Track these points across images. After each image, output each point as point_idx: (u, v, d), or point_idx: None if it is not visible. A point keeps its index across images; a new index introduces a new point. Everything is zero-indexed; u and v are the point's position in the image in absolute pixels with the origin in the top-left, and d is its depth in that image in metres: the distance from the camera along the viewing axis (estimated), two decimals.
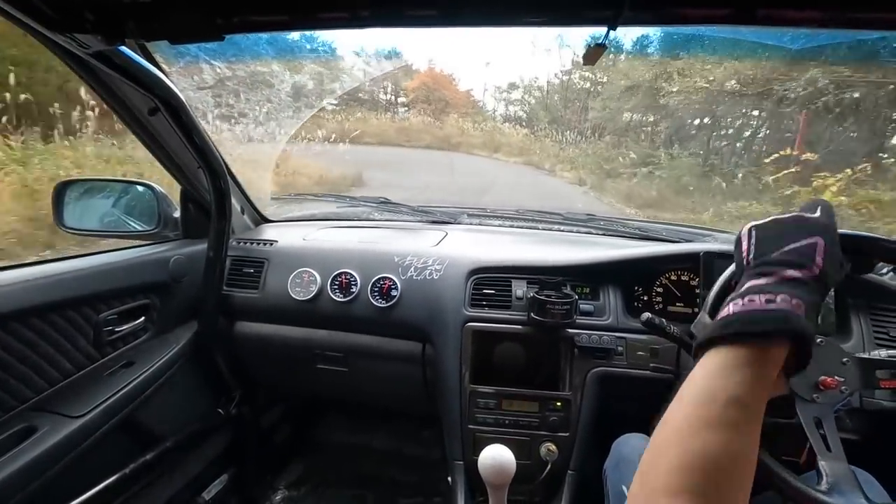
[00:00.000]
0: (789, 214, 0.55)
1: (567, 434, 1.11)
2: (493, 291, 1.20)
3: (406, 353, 1.31)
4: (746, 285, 0.50)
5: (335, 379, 1.42)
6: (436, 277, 1.26)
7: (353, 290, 1.29)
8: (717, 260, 1.06)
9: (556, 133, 11.84)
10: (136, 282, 1.16)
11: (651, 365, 1.11)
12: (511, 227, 1.64)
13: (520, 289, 1.19)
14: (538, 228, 1.61)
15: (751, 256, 0.54)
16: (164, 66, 1.04)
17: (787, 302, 0.46)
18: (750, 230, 0.57)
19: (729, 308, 0.48)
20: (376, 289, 1.28)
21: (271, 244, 1.43)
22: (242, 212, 1.54)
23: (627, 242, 1.45)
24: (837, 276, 0.51)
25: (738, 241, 0.57)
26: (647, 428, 0.98)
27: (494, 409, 1.14)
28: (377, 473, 1.75)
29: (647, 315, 0.94)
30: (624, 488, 0.82)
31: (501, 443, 1.11)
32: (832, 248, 0.50)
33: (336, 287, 1.30)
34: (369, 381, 1.43)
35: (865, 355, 0.79)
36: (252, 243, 1.45)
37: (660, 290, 1.20)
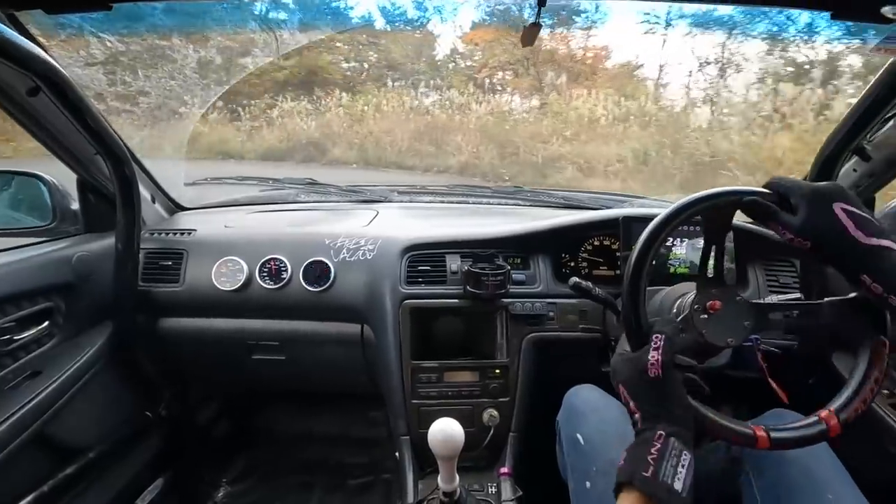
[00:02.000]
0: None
1: (507, 399, 1.16)
2: (428, 267, 1.21)
3: (345, 335, 1.29)
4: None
5: (273, 368, 1.38)
6: (370, 257, 1.25)
7: (284, 275, 1.24)
8: (634, 224, 1.15)
9: None
10: (34, 284, 1.04)
11: (581, 326, 1.18)
12: (442, 202, 1.64)
13: (454, 263, 1.21)
14: (468, 203, 1.63)
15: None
16: (41, 40, 0.92)
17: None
18: None
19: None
20: (309, 273, 1.24)
21: (190, 234, 1.34)
22: (153, 200, 1.42)
23: (553, 212, 1.51)
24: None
25: None
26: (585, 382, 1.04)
27: (437, 383, 1.16)
28: (324, 458, 1.74)
29: (574, 280, 1.00)
30: (578, 436, 0.87)
31: (445, 413, 1.14)
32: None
33: (266, 274, 1.25)
34: (309, 366, 1.40)
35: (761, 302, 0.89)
36: (168, 234, 1.34)
37: (585, 255, 1.27)
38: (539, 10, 0.56)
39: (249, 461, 1.72)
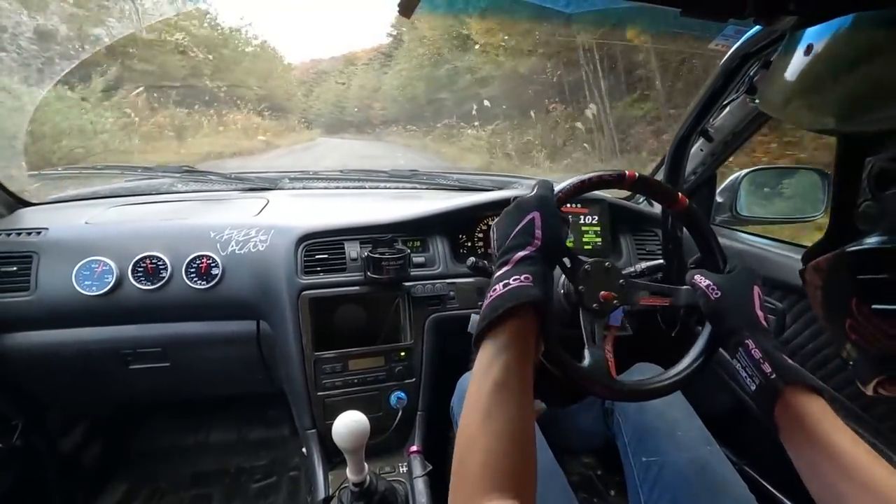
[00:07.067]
0: (514, 200, 0.64)
1: (413, 380, 1.18)
2: (326, 256, 1.18)
3: (238, 333, 1.21)
4: (493, 278, 0.57)
5: (156, 377, 1.25)
6: (262, 248, 1.18)
7: (164, 274, 1.13)
8: None
9: None
10: None
11: (479, 304, 1.23)
12: (337, 188, 1.60)
13: (353, 250, 1.19)
14: (365, 188, 1.61)
15: (495, 251, 0.62)
16: None
17: (518, 280, 0.53)
18: (491, 227, 0.65)
19: (483, 304, 0.55)
20: (193, 269, 1.14)
21: (39, 233, 1.15)
22: None
23: (449, 194, 1.55)
24: (560, 236, 0.60)
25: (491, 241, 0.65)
26: None
27: (341, 372, 1.14)
28: (220, 467, 1.63)
29: (471, 259, 1.04)
30: None
31: (351, 401, 1.13)
32: (548, 217, 0.59)
33: (140, 274, 1.12)
34: (199, 371, 1.29)
35: (632, 269, 1.01)
36: (10, 234, 1.14)
37: (480, 235, 1.32)
38: None
39: (132, 484, 1.55)
